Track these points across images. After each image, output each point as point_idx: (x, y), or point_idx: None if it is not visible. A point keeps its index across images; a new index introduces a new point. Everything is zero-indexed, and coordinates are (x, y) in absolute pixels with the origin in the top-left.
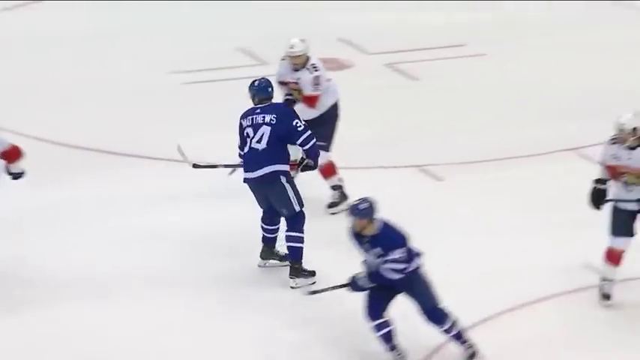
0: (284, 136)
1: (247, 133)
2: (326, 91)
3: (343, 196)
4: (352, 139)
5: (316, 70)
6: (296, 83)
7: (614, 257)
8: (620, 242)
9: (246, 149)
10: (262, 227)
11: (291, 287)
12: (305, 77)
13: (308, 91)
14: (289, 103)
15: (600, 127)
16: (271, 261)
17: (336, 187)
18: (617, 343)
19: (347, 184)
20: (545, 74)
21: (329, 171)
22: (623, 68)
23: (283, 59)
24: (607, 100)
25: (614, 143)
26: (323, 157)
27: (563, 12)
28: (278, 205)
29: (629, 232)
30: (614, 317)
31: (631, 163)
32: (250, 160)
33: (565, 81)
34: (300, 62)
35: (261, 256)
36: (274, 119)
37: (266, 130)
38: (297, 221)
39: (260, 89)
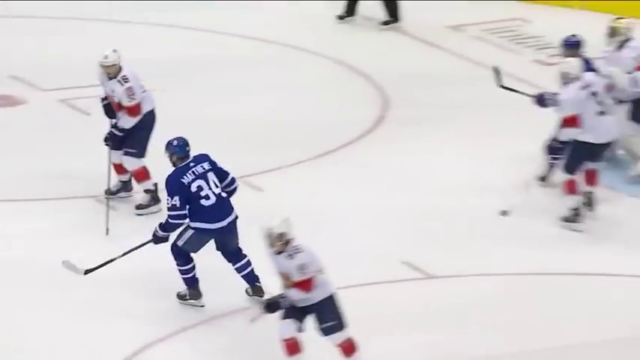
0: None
1: (199, 186)
2: (142, 99)
3: (154, 200)
4: (17, 173)
5: (126, 82)
6: (113, 97)
7: (289, 348)
8: (286, 326)
9: (211, 199)
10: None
11: (255, 302)
12: (118, 89)
13: (125, 102)
14: (106, 107)
15: (265, 158)
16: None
17: (149, 191)
18: None
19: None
20: (218, 108)
21: (142, 175)
22: (290, 104)
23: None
24: (272, 133)
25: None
26: (136, 164)
27: (236, 49)
28: (233, 245)
29: (298, 318)
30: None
31: (276, 267)
32: (218, 207)
33: (234, 114)
34: (111, 72)
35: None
36: (210, 165)
37: (213, 177)
38: (240, 250)
39: (179, 148)
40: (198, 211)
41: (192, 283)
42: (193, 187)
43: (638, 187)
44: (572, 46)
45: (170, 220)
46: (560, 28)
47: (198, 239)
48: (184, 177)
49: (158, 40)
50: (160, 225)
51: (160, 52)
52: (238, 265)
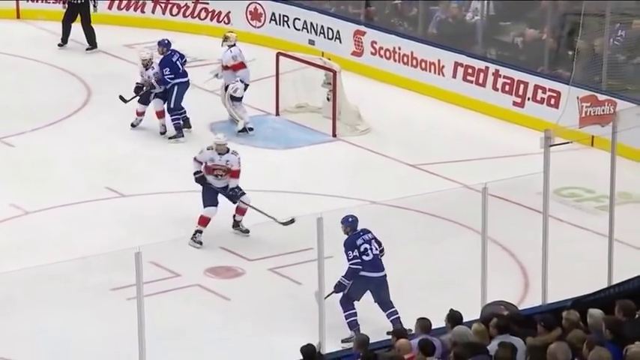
0: None
1: (365, 248)
2: None
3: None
4: None
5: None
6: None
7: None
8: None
9: (370, 256)
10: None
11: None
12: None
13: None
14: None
15: (10, 126)
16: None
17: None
18: None
19: None
20: None
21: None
22: (26, 94)
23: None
24: (16, 112)
25: None
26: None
27: None
28: (386, 295)
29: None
30: None
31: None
32: (375, 262)
33: None
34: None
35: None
36: (372, 235)
37: (375, 243)
38: (391, 301)
39: (352, 223)
40: (361, 264)
41: (354, 325)
42: (362, 248)
43: (244, 137)
44: (165, 45)
45: (352, 267)
46: (186, 46)
47: (361, 286)
48: (357, 240)
49: None
50: (344, 276)
51: None
52: (389, 311)
